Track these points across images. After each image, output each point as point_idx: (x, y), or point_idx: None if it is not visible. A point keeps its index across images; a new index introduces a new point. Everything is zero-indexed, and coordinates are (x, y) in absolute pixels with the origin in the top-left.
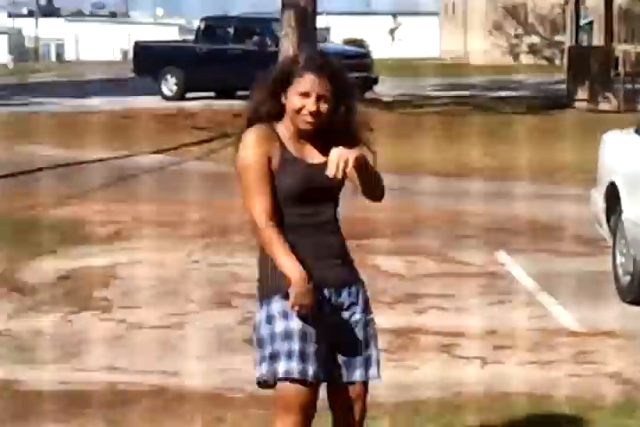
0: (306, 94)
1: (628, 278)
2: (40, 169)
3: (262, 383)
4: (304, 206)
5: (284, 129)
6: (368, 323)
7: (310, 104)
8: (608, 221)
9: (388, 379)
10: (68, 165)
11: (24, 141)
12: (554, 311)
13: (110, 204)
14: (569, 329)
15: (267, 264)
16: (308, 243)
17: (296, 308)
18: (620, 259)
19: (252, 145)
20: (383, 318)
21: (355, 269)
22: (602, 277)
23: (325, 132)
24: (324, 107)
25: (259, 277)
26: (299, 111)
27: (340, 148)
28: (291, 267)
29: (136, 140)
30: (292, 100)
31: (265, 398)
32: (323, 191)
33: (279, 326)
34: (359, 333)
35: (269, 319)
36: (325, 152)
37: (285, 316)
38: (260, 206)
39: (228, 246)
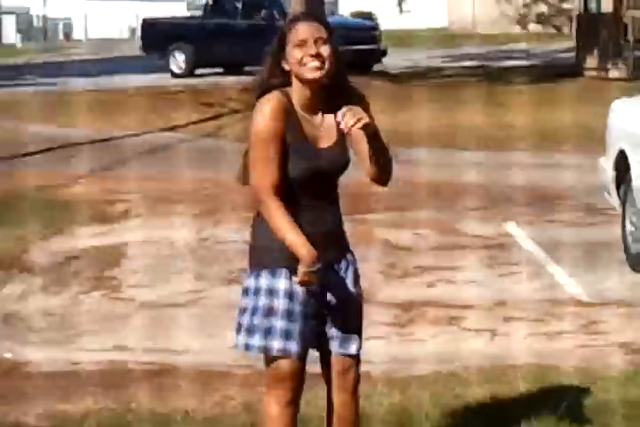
0: (303, 42)
1: (637, 247)
2: (50, 149)
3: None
4: (307, 187)
5: (296, 99)
6: (357, 297)
7: (310, 49)
8: (617, 189)
9: (397, 353)
10: (77, 144)
11: (35, 121)
12: (563, 282)
13: (119, 182)
14: (578, 299)
15: (264, 235)
16: (305, 221)
17: (303, 285)
18: (629, 228)
19: (268, 116)
20: (392, 292)
21: (346, 244)
22: (611, 247)
23: (331, 99)
24: (324, 49)
25: (252, 244)
26: (301, 61)
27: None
28: (301, 244)
29: (145, 118)
30: (293, 53)
31: None
32: (328, 175)
33: (263, 300)
34: (351, 307)
35: (257, 291)
36: (330, 130)
37: (271, 293)
38: (268, 179)
39: (237, 223)
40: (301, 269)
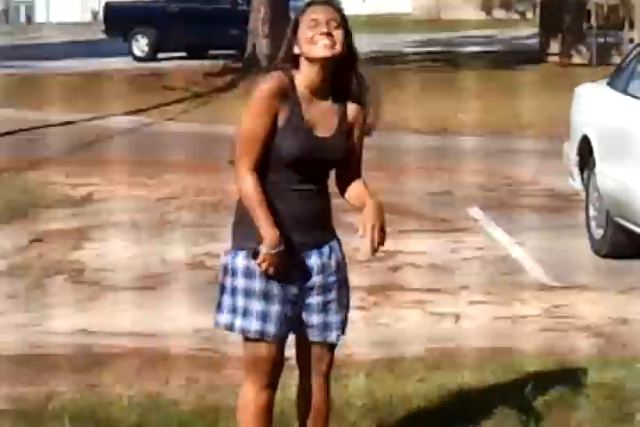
0: (315, 21)
1: (600, 232)
2: (8, 133)
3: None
4: (297, 172)
5: (300, 79)
6: (342, 283)
7: (321, 27)
8: (581, 174)
9: (363, 336)
10: (38, 127)
11: None
12: (527, 266)
13: (82, 166)
14: (542, 283)
15: (243, 216)
16: (292, 207)
17: (262, 267)
18: (592, 212)
19: (264, 93)
20: (358, 276)
21: (331, 230)
22: (575, 231)
23: (336, 89)
24: (336, 31)
25: (234, 222)
26: (312, 39)
27: (370, 217)
28: (266, 227)
29: (107, 102)
30: (305, 32)
31: (238, 358)
32: (319, 162)
33: (240, 282)
34: (332, 294)
35: (233, 272)
36: (333, 120)
37: (248, 275)
38: (247, 158)
39: (201, 207)
40: (262, 250)
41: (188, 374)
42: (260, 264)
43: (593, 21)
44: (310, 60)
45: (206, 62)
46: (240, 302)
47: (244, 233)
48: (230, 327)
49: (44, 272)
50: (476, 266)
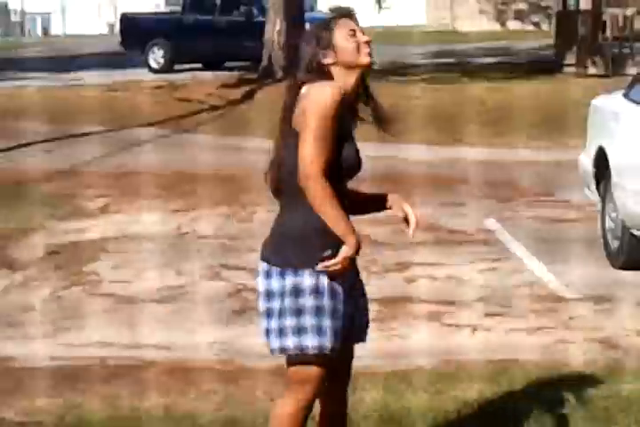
0: (353, 31)
1: (616, 244)
2: (27, 144)
3: (277, 352)
4: (344, 181)
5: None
6: (364, 290)
7: (362, 37)
8: (597, 185)
9: (378, 348)
10: (55, 139)
11: (8, 116)
12: (544, 278)
13: (99, 177)
14: (559, 295)
15: (301, 226)
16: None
17: (338, 269)
18: (609, 224)
19: (336, 97)
20: (373, 288)
21: None
22: (591, 243)
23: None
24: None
25: (288, 239)
26: (358, 48)
27: (399, 199)
28: (348, 229)
29: (123, 114)
30: (345, 44)
31: (255, 370)
32: (357, 172)
33: (309, 300)
34: (363, 297)
35: (297, 293)
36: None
37: (316, 291)
38: (321, 159)
39: (217, 219)
40: (344, 252)
41: (206, 386)
42: (334, 266)
43: (608, 32)
44: (351, 68)
45: (222, 74)
46: (311, 320)
47: (308, 248)
48: (298, 349)
49: (61, 284)
50: (492, 277)
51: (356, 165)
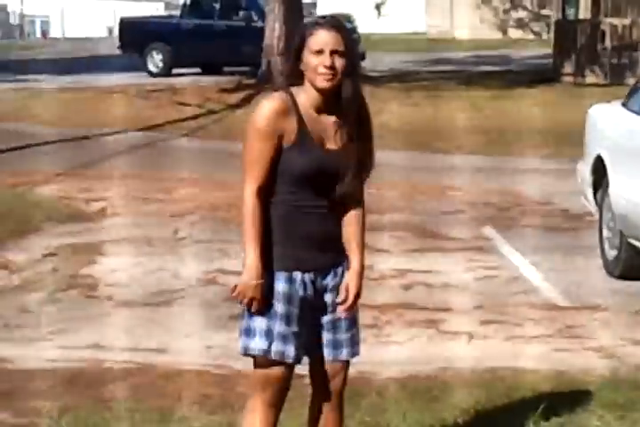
0: (320, 51)
1: (614, 253)
2: (25, 146)
3: (246, 353)
4: (307, 189)
5: (304, 97)
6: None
7: (325, 59)
8: (594, 194)
9: (375, 355)
10: (53, 142)
11: (8, 118)
12: (541, 286)
13: (96, 181)
14: (555, 304)
15: (268, 237)
16: (304, 223)
17: (239, 299)
18: (606, 233)
19: (268, 115)
20: (370, 295)
21: (343, 249)
22: (588, 252)
23: (338, 106)
24: (339, 61)
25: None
26: (316, 69)
27: (353, 286)
28: (252, 255)
29: (122, 117)
30: (309, 59)
31: (250, 374)
32: (332, 176)
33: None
34: (341, 319)
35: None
36: (340, 132)
37: (272, 294)
38: (252, 179)
39: (214, 223)
40: (242, 279)
41: (200, 390)
42: (236, 296)
43: (607, 42)
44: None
45: (221, 78)
46: (261, 323)
47: (277, 255)
48: (250, 350)
49: (57, 287)
50: (488, 285)
51: (317, 168)
